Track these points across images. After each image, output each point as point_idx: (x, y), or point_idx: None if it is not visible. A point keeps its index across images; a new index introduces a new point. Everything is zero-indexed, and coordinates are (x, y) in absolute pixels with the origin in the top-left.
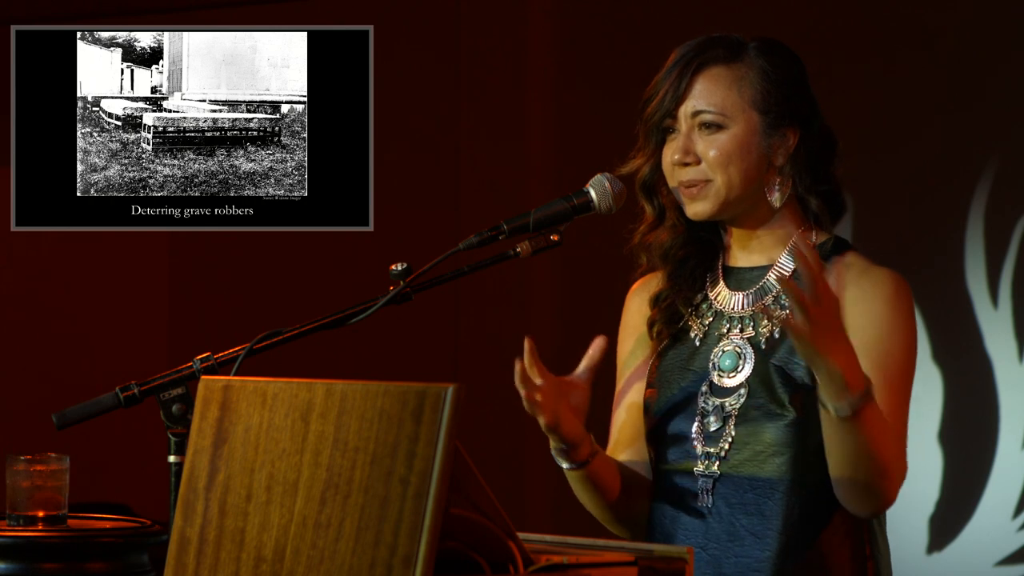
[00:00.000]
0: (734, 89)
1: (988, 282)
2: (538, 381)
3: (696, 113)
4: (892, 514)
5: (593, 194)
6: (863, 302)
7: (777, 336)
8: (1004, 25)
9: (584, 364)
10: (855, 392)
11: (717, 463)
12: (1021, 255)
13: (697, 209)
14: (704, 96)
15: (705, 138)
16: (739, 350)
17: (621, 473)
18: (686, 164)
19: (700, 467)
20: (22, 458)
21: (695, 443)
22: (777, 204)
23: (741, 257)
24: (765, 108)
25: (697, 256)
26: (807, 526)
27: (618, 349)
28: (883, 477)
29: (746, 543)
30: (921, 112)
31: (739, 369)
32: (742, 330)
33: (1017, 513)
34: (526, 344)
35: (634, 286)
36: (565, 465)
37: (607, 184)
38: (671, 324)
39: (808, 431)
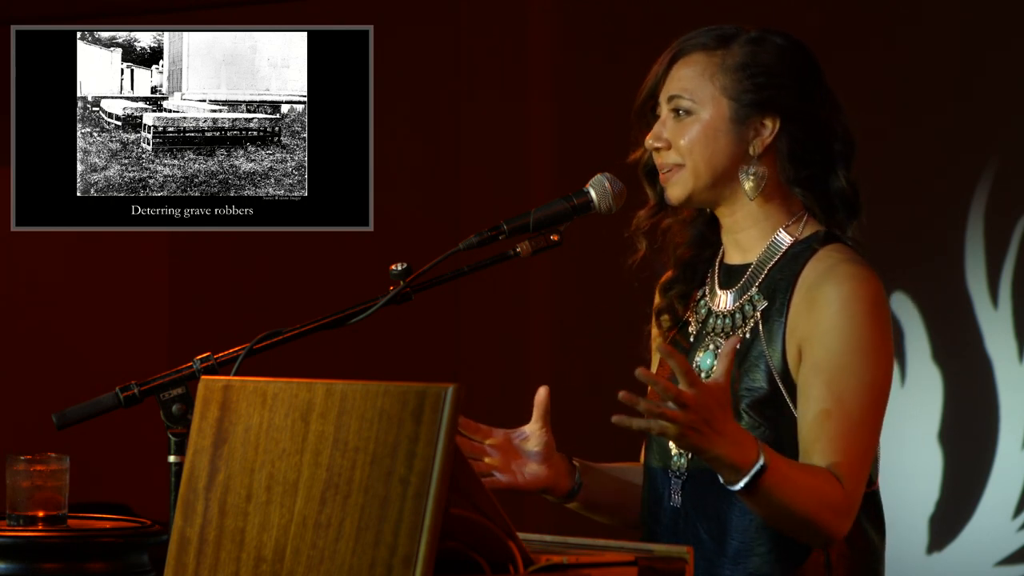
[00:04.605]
0: (707, 75)
1: (988, 282)
2: (489, 442)
3: (671, 98)
4: (892, 514)
5: (593, 194)
6: (818, 308)
7: (749, 337)
8: (1005, 24)
9: (535, 415)
10: (745, 470)
11: (685, 463)
12: (1021, 255)
13: (672, 193)
14: (678, 81)
15: (677, 124)
16: (717, 349)
17: (633, 481)
18: (658, 148)
19: (673, 467)
20: (22, 458)
21: (671, 442)
22: (750, 195)
23: (732, 252)
24: (736, 96)
25: (696, 248)
26: (764, 530)
27: (652, 340)
28: (809, 527)
29: (706, 547)
30: (921, 112)
31: (714, 369)
32: (723, 329)
33: (1017, 513)
34: (459, 422)
35: (663, 279)
36: (552, 500)
37: (607, 184)
38: (672, 316)
39: (766, 439)
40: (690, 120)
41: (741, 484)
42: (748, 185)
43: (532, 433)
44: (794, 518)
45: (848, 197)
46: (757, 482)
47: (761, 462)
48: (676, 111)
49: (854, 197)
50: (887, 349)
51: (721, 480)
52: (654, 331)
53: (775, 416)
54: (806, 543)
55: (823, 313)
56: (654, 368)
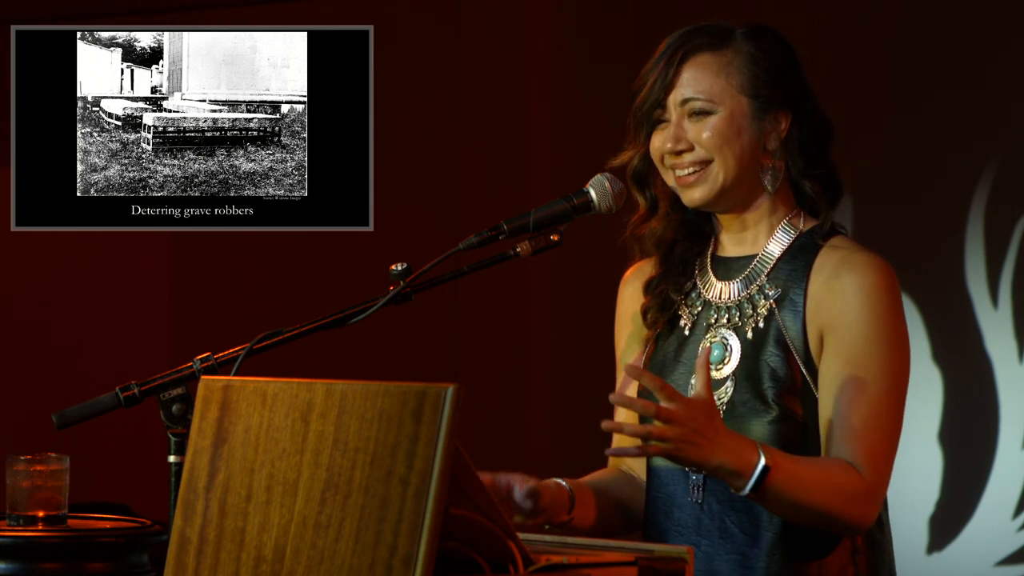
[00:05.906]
0: (722, 75)
1: (988, 282)
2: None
3: (685, 101)
4: (892, 514)
5: (593, 194)
6: (841, 297)
7: (763, 326)
8: (1005, 23)
9: (527, 495)
10: (749, 473)
11: None
12: (1021, 255)
13: (695, 195)
14: (692, 84)
15: (696, 124)
16: (726, 341)
17: (618, 493)
18: (680, 152)
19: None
20: (22, 458)
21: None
22: (771, 189)
23: (731, 247)
24: (754, 92)
25: (687, 241)
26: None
27: (615, 341)
28: (830, 519)
29: (737, 540)
30: (921, 112)
31: (726, 361)
32: (729, 320)
33: (1017, 513)
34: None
35: (626, 275)
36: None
37: (607, 184)
38: (664, 311)
39: (796, 428)
40: (711, 118)
41: (748, 488)
42: (769, 180)
43: (519, 500)
44: (812, 512)
45: (835, 182)
46: (763, 483)
47: (763, 463)
48: (693, 113)
49: (838, 181)
50: (906, 337)
51: (731, 489)
52: (620, 338)
53: (803, 402)
54: (835, 534)
55: (848, 304)
56: (619, 383)
